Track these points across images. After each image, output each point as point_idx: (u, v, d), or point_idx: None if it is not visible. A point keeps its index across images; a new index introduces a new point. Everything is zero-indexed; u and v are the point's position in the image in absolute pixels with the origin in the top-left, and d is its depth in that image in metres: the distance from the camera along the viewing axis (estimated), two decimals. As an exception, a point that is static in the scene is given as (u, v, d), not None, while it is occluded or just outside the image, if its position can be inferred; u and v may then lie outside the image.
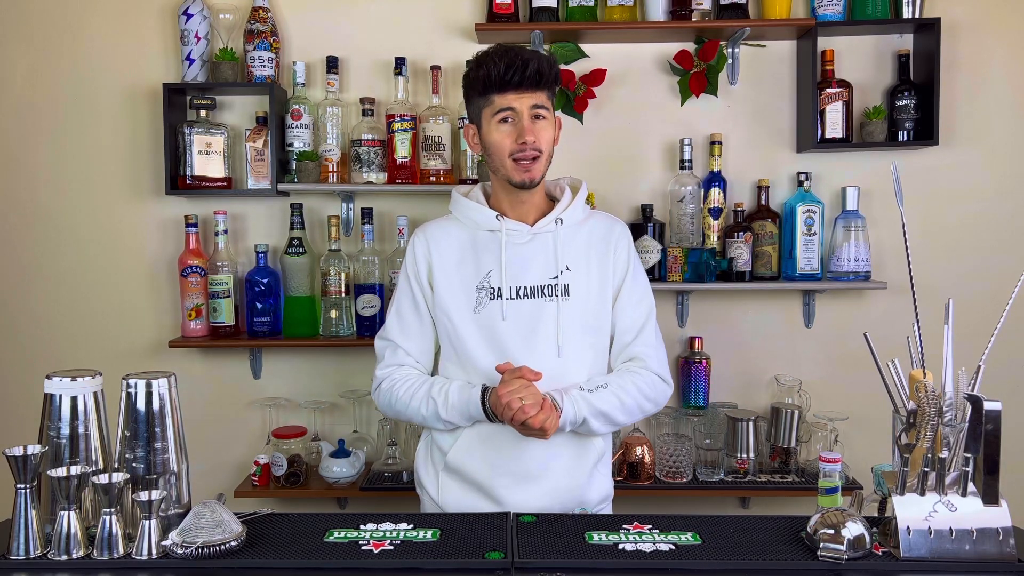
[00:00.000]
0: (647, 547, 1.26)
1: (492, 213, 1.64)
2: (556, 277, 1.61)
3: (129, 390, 1.29)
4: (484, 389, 1.56)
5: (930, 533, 1.22)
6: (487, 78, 1.54)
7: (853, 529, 1.22)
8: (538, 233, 1.63)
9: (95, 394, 1.31)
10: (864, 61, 2.49)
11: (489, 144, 1.59)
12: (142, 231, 2.56)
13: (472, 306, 1.62)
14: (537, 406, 1.47)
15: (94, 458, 1.30)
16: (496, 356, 1.59)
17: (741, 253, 2.41)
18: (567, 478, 1.61)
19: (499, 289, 1.60)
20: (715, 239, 2.45)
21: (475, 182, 2.39)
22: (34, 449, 1.23)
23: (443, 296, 1.63)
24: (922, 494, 1.24)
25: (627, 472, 2.37)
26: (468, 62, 1.61)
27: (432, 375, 1.71)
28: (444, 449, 1.64)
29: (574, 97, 2.46)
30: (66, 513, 1.22)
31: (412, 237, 1.71)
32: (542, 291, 1.61)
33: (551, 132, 1.59)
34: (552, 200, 1.70)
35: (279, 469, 2.37)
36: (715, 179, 2.44)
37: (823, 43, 2.43)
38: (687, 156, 2.44)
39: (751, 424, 2.36)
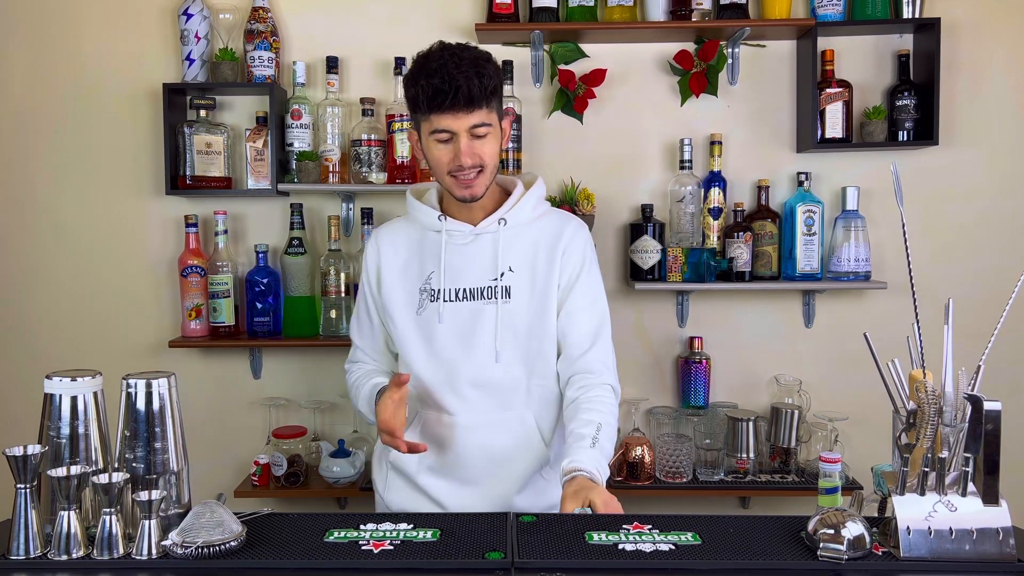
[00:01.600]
0: (647, 547, 1.26)
1: (435, 214, 1.60)
2: (496, 279, 1.56)
3: (129, 390, 1.29)
4: (380, 392, 1.56)
5: (930, 533, 1.22)
6: (415, 100, 1.48)
7: (853, 529, 1.22)
8: (480, 233, 1.58)
9: (95, 394, 1.31)
10: (864, 61, 2.49)
11: (429, 159, 1.54)
12: (142, 231, 2.56)
13: (415, 308, 1.59)
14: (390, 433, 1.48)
15: (94, 458, 1.30)
16: (433, 360, 1.57)
17: (741, 253, 2.41)
18: (502, 484, 1.60)
19: (438, 291, 1.57)
20: (715, 239, 2.45)
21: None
22: (34, 449, 1.23)
23: (388, 299, 1.62)
24: (922, 494, 1.24)
25: (627, 472, 2.37)
26: (413, 60, 1.52)
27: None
28: (391, 449, 1.63)
29: (574, 97, 2.46)
30: (66, 513, 1.22)
31: (367, 241, 1.69)
32: (481, 293, 1.56)
33: (495, 145, 1.52)
34: (507, 195, 1.63)
35: (279, 469, 2.37)
36: (715, 179, 2.44)
37: (823, 43, 2.43)
38: (687, 156, 2.44)
39: (751, 424, 2.36)
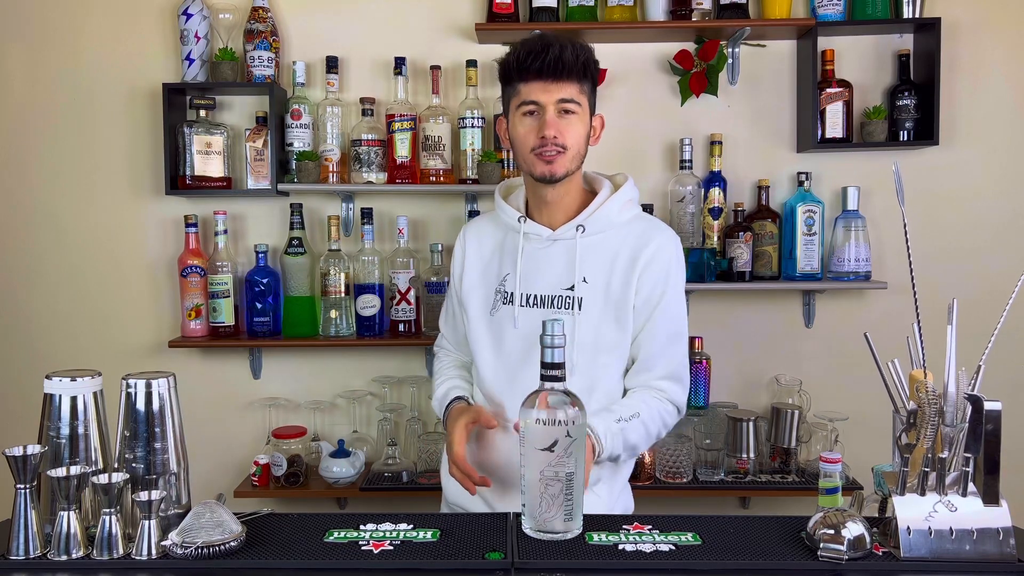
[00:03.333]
0: (647, 547, 1.26)
1: (516, 214, 1.57)
2: (571, 288, 1.51)
3: (129, 390, 1.29)
4: (451, 403, 1.59)
5: (930, 533, 1.22)
6: (506, 64, 1.49)
7: (853, 529, 1.22)
8: (557, 239, 1.54)
9: (95, 394, 1.31)
10: (864, 61, 2.49)
11: (513, 138, 1.52)
12: (142, 231, 2.56)
13: (488, 307, 1.59)
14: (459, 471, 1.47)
15: (94, 458, 1.30)
16: (500, 362, 1.56)
17: (741, 253, 2.41)
18: None
19: (511, 295, 1.55)
20: (715, 239, 2.45)
21: (475, 182, 2.40)
22: (34, 449, 1.23)
23: (466, 294, 1.63)
24: (922, 494, 1.24)
25: (627, 472, 2.37)
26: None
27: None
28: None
29: (574, 97, 2.46)
30: (66, 513, 1.22)
31: (460, 232, 1.71)
32: (553, 302, 1.52)
33: (581, 128, 1.49)
34: (593, 197, 1.58)
35: (279, 469, 2.37)
36: (715, 179, 2.44)
37: (823, 43, 2.43)
38: (687, 156, 2.44)
39: (751, 424, 2.36)
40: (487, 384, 1.59)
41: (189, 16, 2.40)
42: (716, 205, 2.44)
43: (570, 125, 1.47)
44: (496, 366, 1.57)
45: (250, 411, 2.59)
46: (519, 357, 1.53)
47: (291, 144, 2.44)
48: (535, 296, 1.53)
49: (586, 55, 1.47)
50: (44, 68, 2.53)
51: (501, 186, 1.67)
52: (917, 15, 2.39)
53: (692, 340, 2.50)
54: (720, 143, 2.45)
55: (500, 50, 2.47)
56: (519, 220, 1.56)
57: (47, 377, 1.30)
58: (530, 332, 1.51)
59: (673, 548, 1.26)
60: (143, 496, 1.22)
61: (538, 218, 1.57)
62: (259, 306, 2.44)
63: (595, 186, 1.60)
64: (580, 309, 1.51)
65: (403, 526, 1.35)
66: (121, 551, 1.22)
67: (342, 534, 1.31)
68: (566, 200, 1.55)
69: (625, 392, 1.59)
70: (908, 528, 1.23)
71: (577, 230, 1.53)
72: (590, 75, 1.49)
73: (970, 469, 1.23)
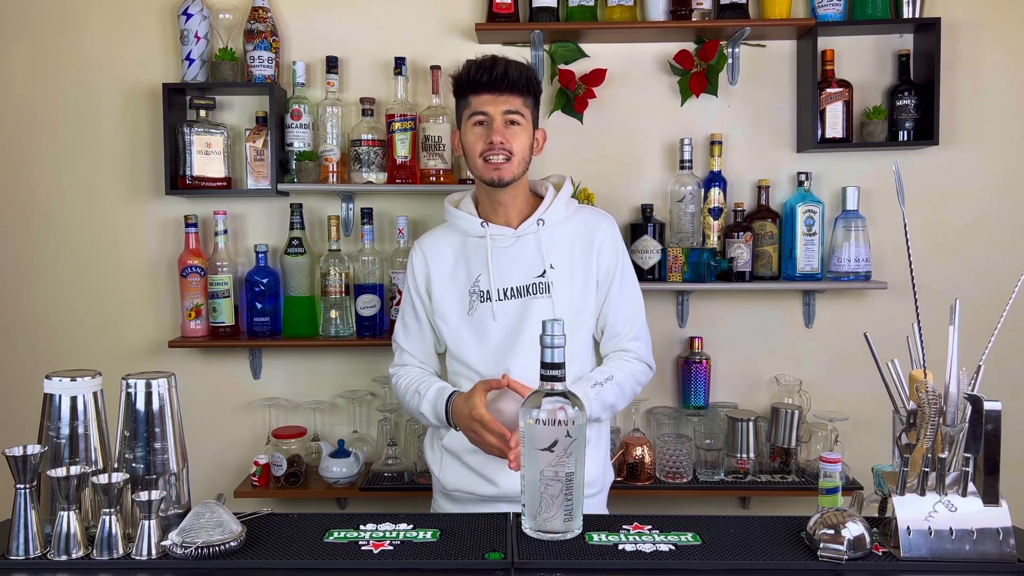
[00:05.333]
0: (647, 547, 1.26)
1: (478, 220, 1.71)
2: (541, 276, 1.68)
3: (129, 390, 1.29)
4: (450, 396, 1.65)
5: (930, 533, 1.22)
6: (458, 79, 1.67)
7: (853, 529, 1.22)
8: (521, 235, 1.70)
9: (95, 394, 1.31)
10: (864, 61, 2.49)
11: (465, 145, 1.68)
12: (142, 231, 2.56)
13: (465, 309, 1.70)
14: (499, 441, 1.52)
15: (94, 458, 1.30)
16: (487, 354, 1.67)
17: (741, 253, 2.41)
18: None
19: (488, 292, 1.68)
20: (715, 239, 2.45)
21: (475, 182, 2.40)
22: (34, 449, 1.23)
23: (439, 303, 1.73)
24: (922, 494, 1.24)
25: (627, 472, 2.37)
26: None
27: (441, 371, 1.82)
28: (442, 432, 1.73)
29: (574, 97, 2.46)
30: (66, 513, 1.22)
31: (411, 250, 1.80)
32: (527, 290, 1.68)
33: (525, 138, 1.66)
34: (539, 199, 1.76)
35: (279, 469, 2.37)
36: (715, 179, 2.44)
37: (823, 43, 2.43)
38: (687, 156, 2.44)
39: (751, 424, 2.36)
40: (479, 374, 1.70)
41: (189, 16, 2.40)
42: (716, 205, 2.44)
43: (515, 134, 1.64)
44: (483, 358, 1.68)
45: (250, 411, 2.59)
46: (503, 346, 1.67)
47: (291, 144, 2.44)
48: (510, 288, 1.68)
49: (529, 73, 1.66)
50: (44, 68, 2.53)
51: (448, 199, 1.81)
52: (917, 15, 2.39)
53: (692, 340, 2.51)
54: (720, 143, 2.45)
55: (500, 50, 2.47)
56: (482, 225, 1.70)
57: (47, 377, 1.30)
58: (510, 322, 1.67)
59: (673, 548, 1.26)
60: (143, 496, 1.22)
61: (495, 220, 1.72)
62: (259, 306, 2.44)
63: (538, 190, 1.78)
64: (551, 293, 1.68)
65: (403, 526, 1.35)
66: (121, 551, 1.22)
67: (342, 534, 1.32)
68: (518, 201, 1.72)
69: (600, 360, 1.78)
70: (908, 528, 1.23)
71: (538, 224, 1.70)
72: (532, 91, 1.67)
73: (970, 469, 1.23)
